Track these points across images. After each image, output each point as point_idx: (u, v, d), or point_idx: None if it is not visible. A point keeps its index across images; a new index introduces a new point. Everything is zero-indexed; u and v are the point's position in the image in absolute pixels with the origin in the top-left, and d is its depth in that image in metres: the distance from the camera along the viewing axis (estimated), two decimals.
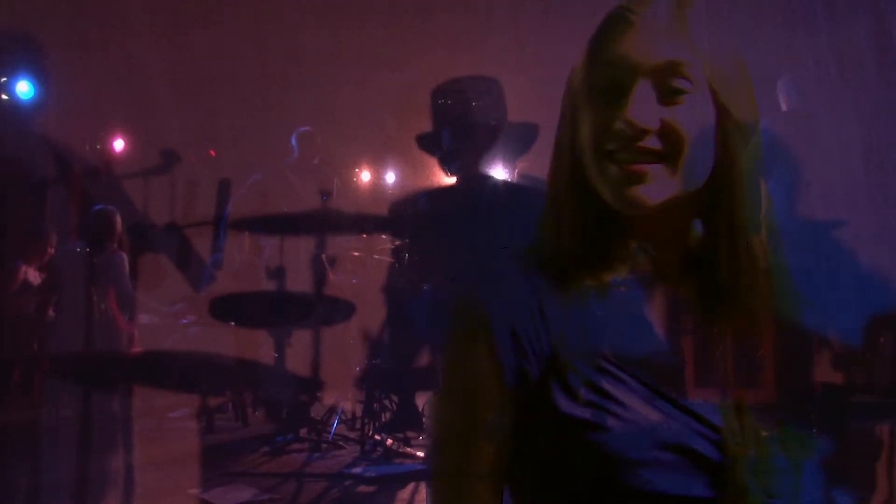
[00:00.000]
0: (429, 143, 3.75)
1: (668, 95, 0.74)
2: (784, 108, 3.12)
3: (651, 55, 0.74)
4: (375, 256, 4.77)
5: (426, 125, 3.71)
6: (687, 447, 0.72)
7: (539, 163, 4.13)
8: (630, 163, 0.73)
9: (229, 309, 4.52)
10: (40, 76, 5.19)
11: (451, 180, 3.85)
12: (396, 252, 4.42)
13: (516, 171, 3.88)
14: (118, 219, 4.10)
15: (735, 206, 0.77)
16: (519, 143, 3.70)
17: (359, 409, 4.42)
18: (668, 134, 0.74)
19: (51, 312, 4.14)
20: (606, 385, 0.73)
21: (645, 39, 0.75)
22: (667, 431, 0.72)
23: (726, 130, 0.76)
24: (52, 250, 4.48)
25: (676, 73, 0.74)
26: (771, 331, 0.76)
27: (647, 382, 0.75)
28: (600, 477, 0.72)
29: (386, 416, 4.36)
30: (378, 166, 6.82)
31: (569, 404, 0.73)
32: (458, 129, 3.58)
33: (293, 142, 4.74)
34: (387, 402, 4.36)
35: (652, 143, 0.73)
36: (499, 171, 3.77)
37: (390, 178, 6.80)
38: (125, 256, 4.09)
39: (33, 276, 4.35)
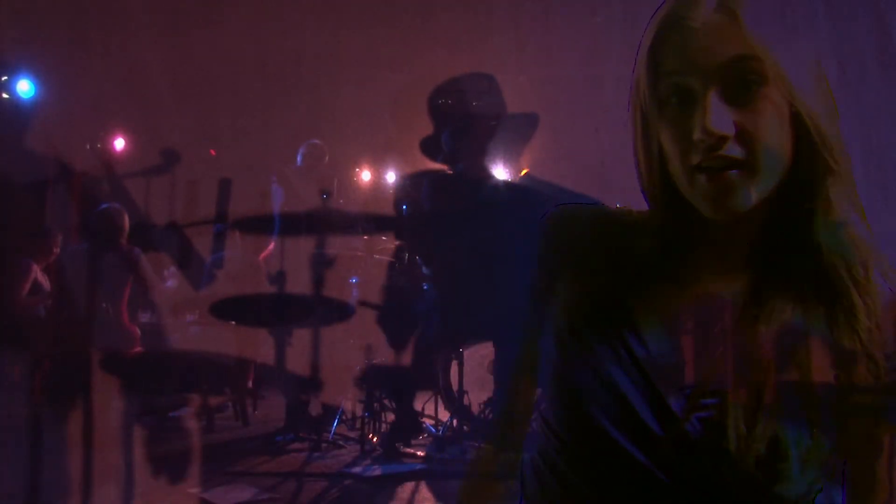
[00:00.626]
0: (431, 146, 3.75)
1: (740, 95, 0.73)
2: None
3: (716, 56, 0.74)
4: (375, 256, 4.77)
5: (426, 125, 3.71)
6: (636, 416, 0.76)
7: (541, 154, 4.13)
8: (717, 172, 0.73)
9: (230, 308, 4.52)
10: (41, 76, 5.20)
11: (453, 179, 3.85)
12: (397, 252, 4.42)
13: (519, 164, 3.88)
14: (125, 216, 4.10)
15: (818, 196, 0.76)
16: (520, 135, 3.70)
17: (359, 409, 4.42)
18: (744, 137, 0.73)
19: (59, 311, 4.14)
20: (591, 340, 0.79)
21: (705, 42, 0.74)
22: (625, 394, 0.77)
23: (802, 117, 0.75)
24: (57, 250, 4.49)
25: (745, 69, 0.73)
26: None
27: (643, 362, 0.77)
28: (568, 408, 0.81)
29: (386, 416, 4.36)
30: (378, 166, 6.82)
31: (551, 346, 0.82)
32: (457, 130, 3.58)
33: (301, 150, 4.67)
34: (387, 402, 4.37)
35: (731, 148, 0.73)
36: (501, 167, 3.77)
37: (390, 178, 6.80)
38: (140, 250, 4.09)
39: (41, 275, 4.36)
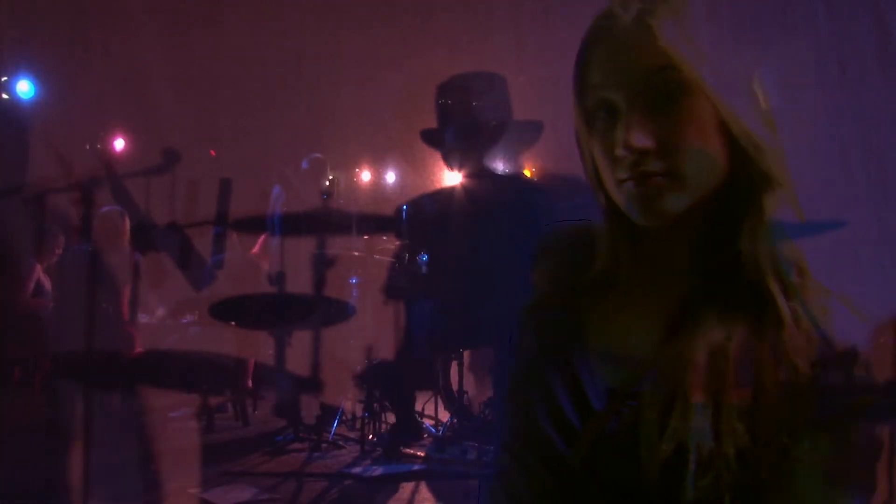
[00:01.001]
0: (432, 139, 3.75)
1: (661, 106, 0.74)
2: (762, 103, 3.08)
3: (635, 69, 0.74)
4: (375, 256, 4.77)
5: (427, 124, 3.71)
6: (565, 418, 0.79)
7: (542, 154, 4.13)
8: (642, 185, 0.74)
9: (230, 309, 4.52)
10: (41, 76, 5.20)
11: (453, 178, 3.84)
12: (397, 252, 4.42)
13: (520, 168, 3.87)
14: (126, 219, 4.10)
15: (751, 203, 0.76)
16: (523, 140, 3.69)
17: (359, 409, 4.42)
18: (667, 148, 0.73)
19: (60, 312, 4.15)
20: (536, 344, 0.84)
21: (625, 55, 0.75)
22: (561, 404, 0.79)
23: (732, 130, 0.75)
24: (59, 250, 4.49)
25: (664, 79, 0.73)
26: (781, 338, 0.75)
27: (578, 364, 0.80)
28: (512, 411, 0.85)
29: (386, 416, 4.36)
30: (379, 166, 6.83)
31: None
32: (461, 128, 3.58)
33: (304, 165, 4.70)
34: (387, 402, 4.36)
35: (654, 162, 0.73)
36: (502, 169, 3.76)
37: (391, 177, 6.80)
38: (140, 256, 4.09)
39: (43, 276, 4.36)
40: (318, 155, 4.69)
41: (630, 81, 0.74)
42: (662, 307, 0.79)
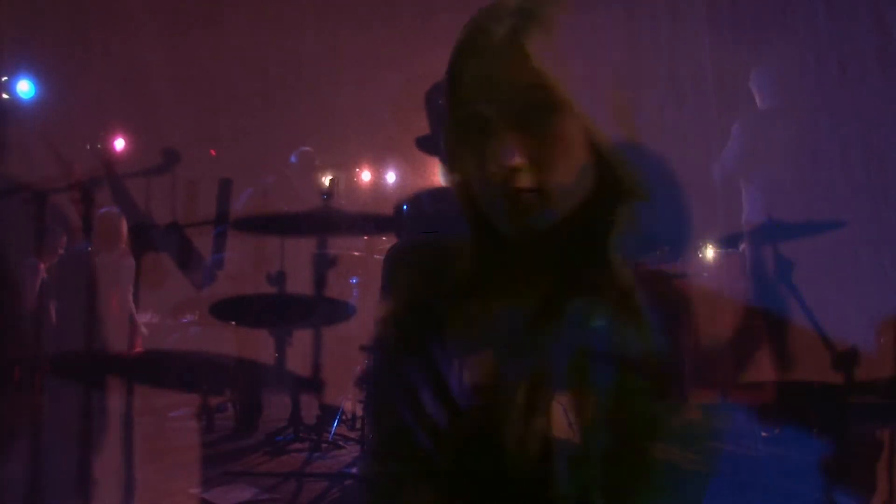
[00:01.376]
0: (429, 146, 3.75)
1: (532, 123, 0.74)
2: (758, 102, 3.07)
3: (507, 86, 0.74)
4: (375, 256, 4.77)
5: (426, 125, 3.71)
6: (427, 413, 0.79)
7: None
8: (512, 200, 0.75)
9: (230, 309, 4.52)
10: (41, 76, 5.20)
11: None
12: None
13: None
14: (124, 221, 4.10)
15: (617, 213, 0.78)
16: None
17: (359, 409, 4.42)
18: (537, 164, 0.74)
19: (59, 311, 4.14)
20: (400, 345, 0.85)
21: (497, 72, 0.75)
22: (422, 398, 0.79)
23: (599, 148, 0.76)
24: (62, 250, 4.49)
25: (535, 97, 0.74)
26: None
27: (440, 365, 0.81)
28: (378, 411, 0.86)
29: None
30: (378, 166, 6.82)
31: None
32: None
33: (293, 159, 4.72)
34: None
35: (524, 178, 0.74)
36: None
37: (390, 178, 6.80)
38: (133, 262, 4.10)
39: (46, 276, 4.36)
40: (307, 148, 4.70)
41: (502, 98, 0.75)
42: (526, 309, 0.80)
